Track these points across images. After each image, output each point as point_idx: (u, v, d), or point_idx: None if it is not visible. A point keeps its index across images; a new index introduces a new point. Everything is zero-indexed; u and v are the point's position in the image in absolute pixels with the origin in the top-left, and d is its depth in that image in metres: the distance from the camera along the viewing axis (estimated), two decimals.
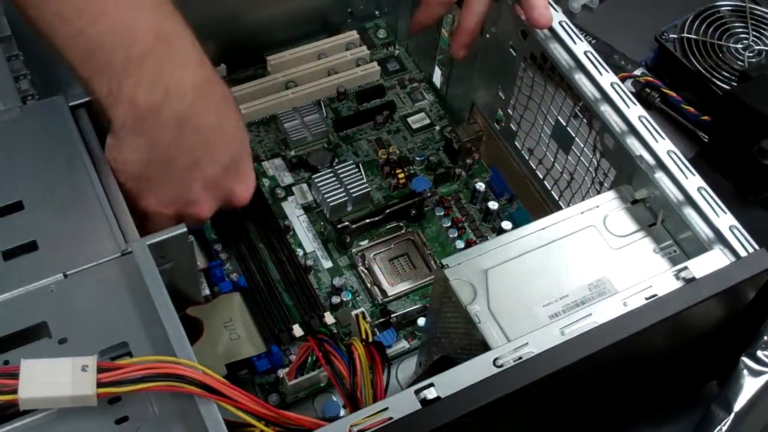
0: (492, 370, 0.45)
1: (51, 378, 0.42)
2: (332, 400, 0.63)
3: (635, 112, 0.57)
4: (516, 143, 0.71)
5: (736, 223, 0.52)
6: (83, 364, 0.42)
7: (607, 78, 0.58)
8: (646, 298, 0.49)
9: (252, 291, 0.66)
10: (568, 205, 0.65)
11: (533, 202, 0.71)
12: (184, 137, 0.51)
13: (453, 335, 0.53)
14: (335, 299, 0.67)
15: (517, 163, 0.72)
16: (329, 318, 0.66)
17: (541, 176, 0.69)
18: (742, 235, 0.52)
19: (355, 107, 0.80)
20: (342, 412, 0.60)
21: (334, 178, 0.73)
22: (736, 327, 0.56)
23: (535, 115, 0.66)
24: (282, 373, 0.61)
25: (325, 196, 0.72)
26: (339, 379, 0.53)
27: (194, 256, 0.57)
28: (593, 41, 0.87)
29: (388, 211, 0.71)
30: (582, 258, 0.53)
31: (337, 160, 0.76)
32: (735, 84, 0.80)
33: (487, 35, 0.69)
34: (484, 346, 0.48)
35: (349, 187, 0.72)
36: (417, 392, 0.44)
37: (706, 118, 0.80)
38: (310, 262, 0.69)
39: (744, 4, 0.86)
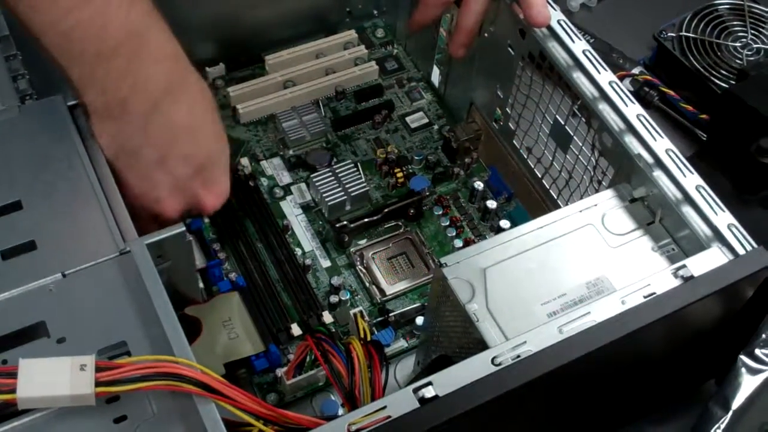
0: (490, 368, 0.45)
1: (49, 377, 0.42)
2: (330, 399, 0.63)
3: (634, 110, 0.57)
4: (514, 142, 0.71)
5: (734, 221, 0.52)
6: (82, 363, 0.42)
7: (605, 77, 0.58)
8: (645, 297, 0.49)
9: (250, 290, 0.66)
10: (567, 204, 0.65)
11: (532, 201, 0.71)
12: (151, 131, 0.52)
13: (451, 334, 0.53)
14: (333, 298, 0.67)
15: (515, 162, 0.72)
16: (327, 317, 0.66)
17: (539, 175, 0.69)
18: (741, 233, 0.52)
19: (353, 106, 0.80)
20: (340, 411, 0.60)
21: (333, 178, 0.73)
22: (734, 325, 0.56)
23: (534, 114, 0.66)
24: (280, 372, 0.61)
25: (324, 195, 0.72)
26: (337, 378, 0.53)
27: (193, 256, 0.57)
28: (591, 40, 0.87)
29: (386, 210, 0.71)
30: (580, 256, 0.53)
31: (335, 160, 0.76)
32: (733, 82, 0.80)
33: (486, 34, 0.69)
34: (482, 345, 0.48)
35: (347, 186, 0.72)
36: (415, 391, 0.44)
37: (704, 116, 0.80)
38: (308, 262, 0.69)
39: (742, 3, 0.86)
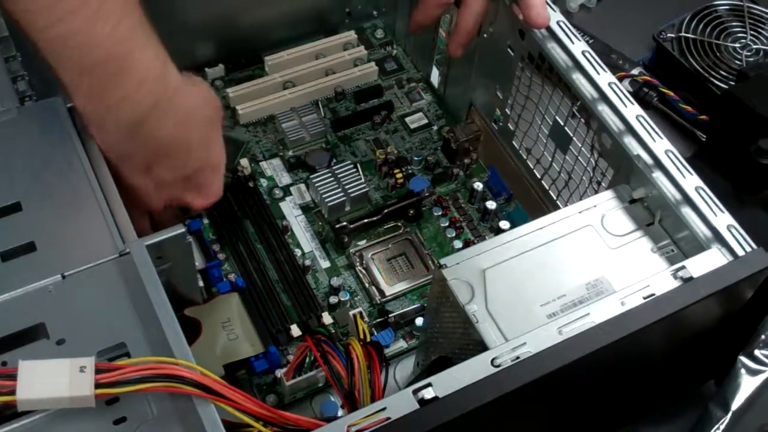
0: (490, 369, 0.45)
1: (49, 379, 0.42)
2: (330, 400, 0.63)
3: (633, 111, 0.57)
4: (514, 143, 0.71)
5: (733, 222, 0.52)
6: (81, 365, 0.42)
7: (604, 77, 0.58)
8: (644, 298, 0.49)
9: (250, 291, 0.66)
10: (566, 205, 0.65)
11: (531, 202, 0.71)
12: (137, 142, 0.52)
13: (451, 335, 0.53)
14: (333, 299, 0.67)
15: (515, 163, 0.72)
16: (327, 318, 0.66)
17: (539, 176, 0.69)
18: (740, 234, 0.52)
19: (353, 107, 0.80)
20: (340, 412, 0.60)
21: (332, 178, 0.73)
22: (733, 326, 0.56)
23: (533, 114, 0.66)
24: (280, 373, 0.61)
25: (323, 196, 0.72)
26: (337, 379, 0.53)
27: (192, 257, 0.57)
28: (591, 41, 0.87)
29: (386, 211, 0.71)
30: (580, 257, 0.53)
31: (335, 160, 0.76)
32: (733, 83, 0.80)
33: (485, 35, 0.69)
34: (481, 346, 0.48)
35: (347, 187, 0.72)
36: (415, 392, 0.44)
37: (703, 117, 0.80)
38: (308, 262, 0.69)
39: (742, 4, 0.86)
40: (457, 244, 0.72)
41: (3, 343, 0.46)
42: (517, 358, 0.46)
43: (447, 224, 0.73)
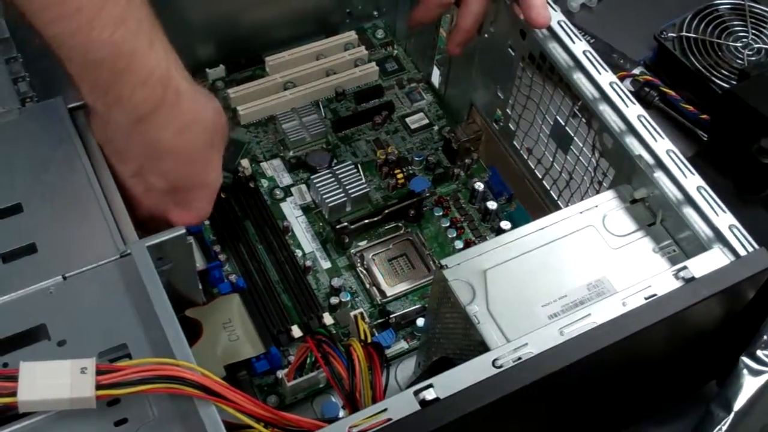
0: (491, 370, 0.45)
1: (50, 380, 0.42)
2: (331, 401, 0.62)
3: (634, 111, 0.57)
4: (515, 143, 0.71)
5: (735, 222, 0.52)
6: (82, 366, 0.42)
7: (605, 77, 0.58)
8: (646, 298, 0.49)
9: (251, 292, 0.66)
10: (567, 205, 0.65)
11: (532, 202, 0.71)
12: (134, 141, 0.52)
13: (452, 336, 0.53)
14: (334, 300, 0.67)
15: (516, 163, 0.72)
16: (328, 319, 0.66)
17: (540, 176, 0.69)
18: (742, 234, 0.52)
19: (353, 107, 0.80)
20: (341, 413, 0.60)
21: (333, 179, 0.73)
22: (735, 326, 0.56)
23: (534, 114, 0.66)
24: (281, 374, 0.61)
25: (324, 196, 0.72)
26: (338, 380, 0.53)
27: (193, 258, 0.57)
28: (592, 40, 0.86)
29: (386, 211, 0.71)
30: (581, 258, 0.53)
31: (335, 161, 0.76)
32: (734, 83, 0.80)
33: (486, 35, 0.69)
34: (483, 347, 0.48)
35: (347, 187, 0.72)
36: (416, 393, 0.44)
37: (705, 117, 0.80)
38: (308, 263, 0.69)
39: (743, 3, 0.86)
40: (458, 244, 0.71)
41: (4, 345, 0.46)
42: (519, 358, 0.45)
43: (448, 224, 0.73)
